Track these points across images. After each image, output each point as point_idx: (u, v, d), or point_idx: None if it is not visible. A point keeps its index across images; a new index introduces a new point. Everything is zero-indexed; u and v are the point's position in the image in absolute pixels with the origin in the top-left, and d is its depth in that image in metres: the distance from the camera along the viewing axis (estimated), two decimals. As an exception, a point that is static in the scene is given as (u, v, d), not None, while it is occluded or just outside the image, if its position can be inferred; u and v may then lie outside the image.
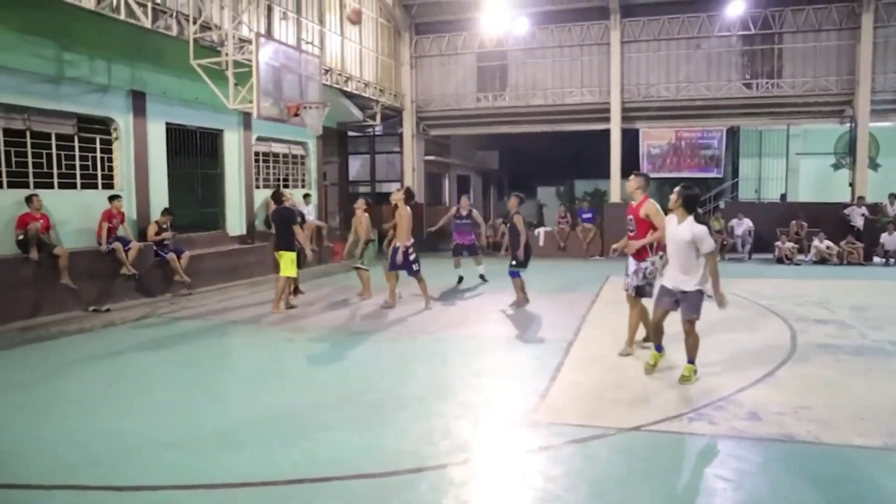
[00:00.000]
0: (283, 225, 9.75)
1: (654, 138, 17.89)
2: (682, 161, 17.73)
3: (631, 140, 17.97)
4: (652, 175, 18.21)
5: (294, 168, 16.23)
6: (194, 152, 13.03)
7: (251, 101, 10.61)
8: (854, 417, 4.78)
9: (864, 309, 9.32)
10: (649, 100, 17.68)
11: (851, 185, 16.87)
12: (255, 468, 4.01)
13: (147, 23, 9.71)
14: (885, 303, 9.83)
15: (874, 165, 20.24)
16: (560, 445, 4.34)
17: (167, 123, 12.08)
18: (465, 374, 6.18)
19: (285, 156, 15.81)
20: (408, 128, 19.28)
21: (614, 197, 17.88)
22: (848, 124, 17.16)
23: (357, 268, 10.77)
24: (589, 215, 17.65)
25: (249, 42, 11.08)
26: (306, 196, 15.36)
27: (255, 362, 6.97)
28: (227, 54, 10.82)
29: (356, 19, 14.06)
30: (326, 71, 14.97)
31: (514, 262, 9.55)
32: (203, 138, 13.16)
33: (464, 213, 12.45)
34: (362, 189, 21.50)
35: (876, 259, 15.57)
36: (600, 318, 8.65)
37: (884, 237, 15.39)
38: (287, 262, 9.52)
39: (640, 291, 6.57)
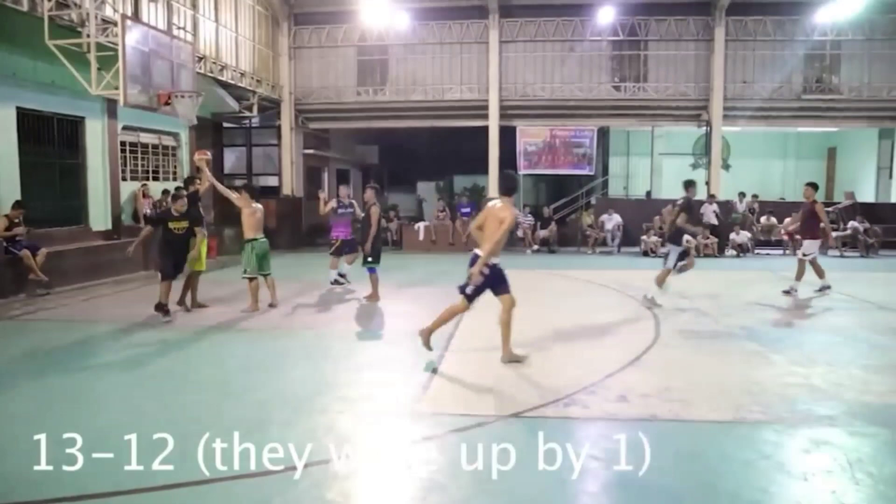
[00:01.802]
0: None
1: (531, 136, 18.54)
2: (556, 158, 18.50)
3: (508, 137, 18.51)
4: (528, 172, 19.04)
5: (165, 160, 15.43)
6: (52, 141, 12.07)
7: (117, 88, 9.98)
8: (710, 396, 5.23)
9: (718, 297, 10.18)
10: (526, 99, 18.31)
11: (707, 183, 18.27)
12: (130, 475, 3.80)
13: (-9, -5, 8.89)
14: (736, 292, 10.74)
15: (726, 166, 22.04)
16: (442, 435, 4.42)
17: (18, 108, 11.10)
18: (347, 369, 6.15)
19: (155, 146, 14.99)
20: (286, 120, 18.84)
21: (492, 192, 18.34)
22: (704, 127, 18.57)
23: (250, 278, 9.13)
24: (468, 209, 18.00)
25: (114, 24, 10.40)
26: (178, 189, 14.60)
27: (124, 365, 6.56)
28: (88, 35, 10.10)
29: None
30: (200, 58, 14.35)
31: (368, 259, 9.46)
32: (62, 125, 12.21)
33: (346, 202, 11.50)
34: (238, 183, 20.72)
35: (728, 252, 17.01)
36: (479, 310, 8.84)
37: (732, 235, 16.91)
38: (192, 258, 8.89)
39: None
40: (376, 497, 3.63)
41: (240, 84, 16.35)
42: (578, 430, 4.54)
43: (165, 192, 14.09)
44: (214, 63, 15.06)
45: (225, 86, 16.11)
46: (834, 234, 17.35)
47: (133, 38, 10.12)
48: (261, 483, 3.73)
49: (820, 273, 10.11)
